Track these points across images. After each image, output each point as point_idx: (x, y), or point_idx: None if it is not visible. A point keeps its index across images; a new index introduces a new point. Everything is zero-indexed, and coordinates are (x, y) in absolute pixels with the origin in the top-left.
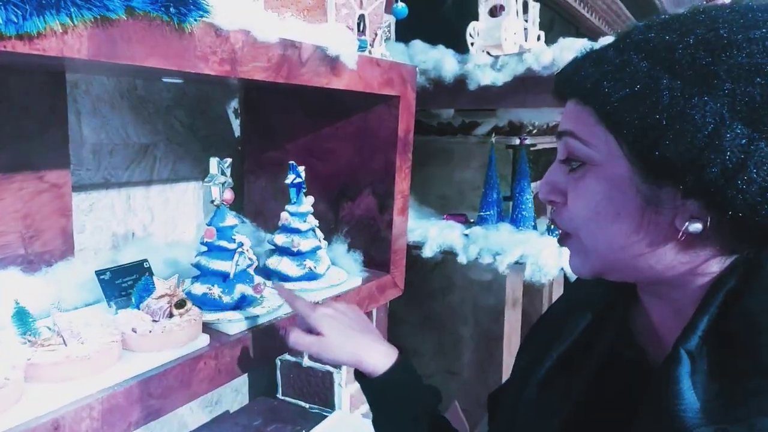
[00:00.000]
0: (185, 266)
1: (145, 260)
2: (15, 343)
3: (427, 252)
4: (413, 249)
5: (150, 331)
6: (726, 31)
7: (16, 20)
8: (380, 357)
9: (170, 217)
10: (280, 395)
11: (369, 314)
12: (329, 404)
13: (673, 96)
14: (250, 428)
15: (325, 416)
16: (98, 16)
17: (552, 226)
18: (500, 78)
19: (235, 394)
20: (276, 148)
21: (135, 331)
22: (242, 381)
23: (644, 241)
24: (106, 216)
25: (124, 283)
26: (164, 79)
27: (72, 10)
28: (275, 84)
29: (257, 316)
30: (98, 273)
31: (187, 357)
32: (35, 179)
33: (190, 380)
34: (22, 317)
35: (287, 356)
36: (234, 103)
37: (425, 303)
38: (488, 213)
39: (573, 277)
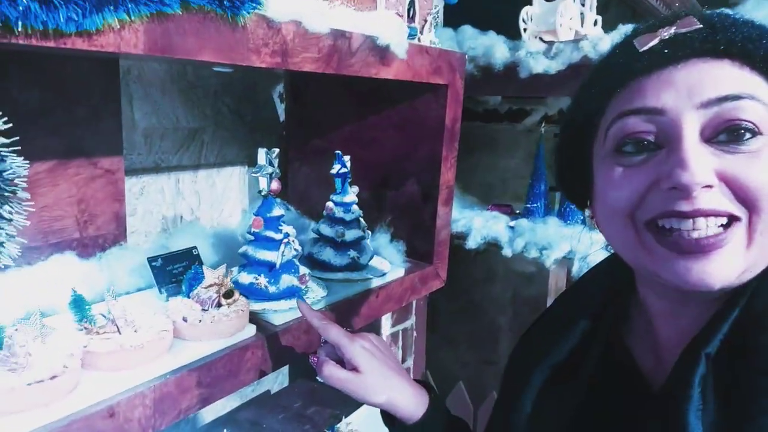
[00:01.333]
0: (231, 252)
1: (195, 247)
2: (72, 331)
3: (471, 243)
4: (456, 239)
5: (200, 321)
6: None
7: (76, 18)
8: (413, 402)
9: (217, 201)
10: (320, 378)
11: (410, 304)
12: None
13: None
14: (291, 410)
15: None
16: (155, 12)
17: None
18: (553, 66)
19: (275, 374)
20: (320, 135)
21: (185, 320)
22: None
23: None
24: (156, 199)
25: (175, 270)
26: (215, 69)
27: (130, 6)
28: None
29: None
30: (150, 260)
31: (235, 347)
32: (89, 165)
33: (238, 370)
34: (78, 304)
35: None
36: (279, 88)
37: (465, 292)
38: (535, 205)
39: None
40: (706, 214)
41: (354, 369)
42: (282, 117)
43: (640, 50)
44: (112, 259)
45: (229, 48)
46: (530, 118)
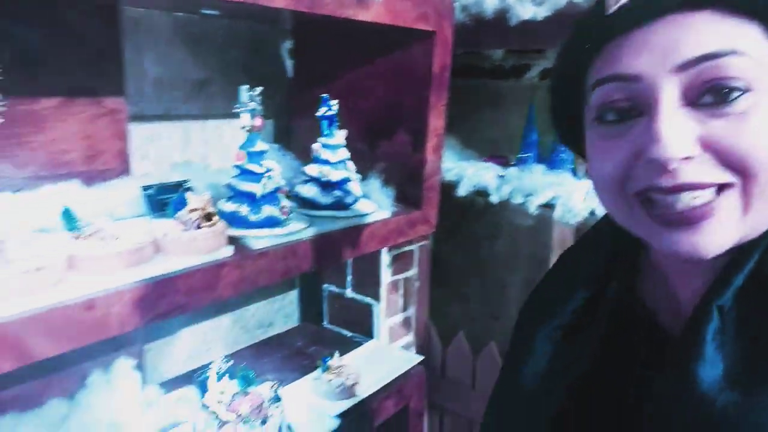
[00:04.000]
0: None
1: (187, 180)
2: (62, 237)
3: (461, 191)
4: (447, 187)
5: (179, 238)
6: None
7: None
8: None
9: (225, 149)
10: (325, 323)
11: (411, 255)
12: (368, 334)
13: None
14: (293, 348)
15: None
16: None
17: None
18: (540, 12)
19: (286, 319)
20: (321, 87)
21: (166, 236)
22: (293, 308)
23: None
24: (166, 146)
25: (166, 200)
26: (202, 12)
27: None
28: (323, 24)
29: (281, 235)
30: (144, 188)
31: (212, 263)
32: (94, 104)
33: (215, 283)
34: (69, 216)
35: (332, 287)
36: (288, 44)
37: (472, 248)
38: (528, 155)
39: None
40: (690, 188)
41: None
42: (290, 73)
43: (608, 12)
44: (113, 189)
45: None
46: (531, 72)
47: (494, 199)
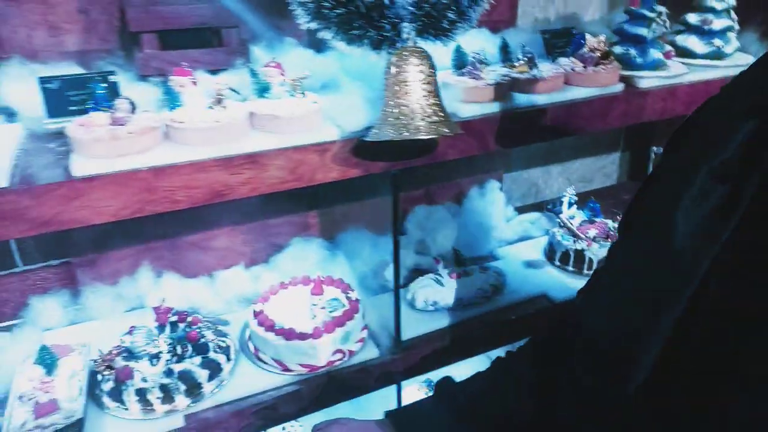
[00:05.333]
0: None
1: (574, 27)
2: (496, 67)
3: None
4: None
5: (583, 72)
6: None
7: None
8: None
9: (576, 5)
10: None
11: None
12: None
13: None
14: (618, 200)
15: None
16: None
17: None
18: None
19: (605, 178)
20: None
21: (573, 71)
22: (614, 168)
23: None
24: (531, 3)
25: (560, 42)
26: None
27: None
28: None
29: (664, 77)
30: (542, 32)
31: (607, 95)
32: None
33: (607, 113)
34: (507, 49)
35: (657, 148)
36: None
37: None
38: None
39: None
40: None
41: None
42: None
43: None
44: (510, 36)
45: None
46: None
47: None
